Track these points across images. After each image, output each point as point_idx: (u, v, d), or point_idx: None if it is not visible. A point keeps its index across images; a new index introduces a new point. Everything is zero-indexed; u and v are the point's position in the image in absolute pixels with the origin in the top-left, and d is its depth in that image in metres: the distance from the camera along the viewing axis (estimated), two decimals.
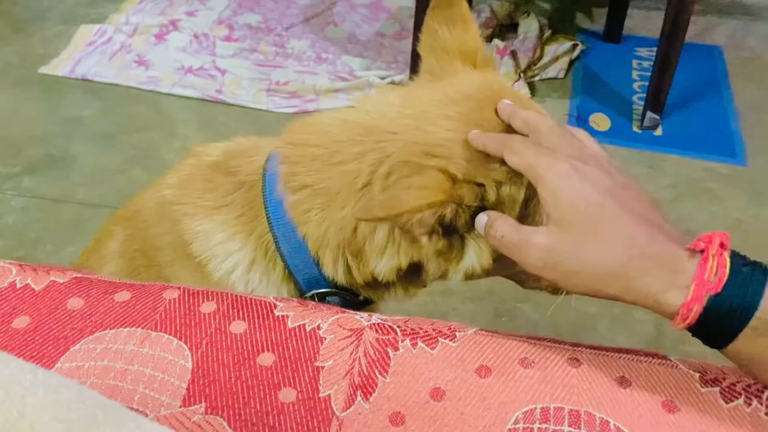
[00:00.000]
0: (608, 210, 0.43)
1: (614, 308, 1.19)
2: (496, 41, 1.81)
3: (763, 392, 0.42)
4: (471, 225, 0.51)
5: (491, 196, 0.50)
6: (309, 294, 0.58)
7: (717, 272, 0.39)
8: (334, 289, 0.58)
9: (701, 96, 1.74)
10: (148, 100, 1.71)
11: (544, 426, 0.40)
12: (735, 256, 0.40)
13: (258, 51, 1.91)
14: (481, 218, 0.50)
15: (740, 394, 0.42)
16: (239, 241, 0.58)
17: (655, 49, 1.63)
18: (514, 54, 1.78)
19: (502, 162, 0.49)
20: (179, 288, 0.48)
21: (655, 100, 1.63)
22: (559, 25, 1.97)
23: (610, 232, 0.42)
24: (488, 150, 0.49)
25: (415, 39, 1.73)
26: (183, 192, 0.61)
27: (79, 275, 0.49)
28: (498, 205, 0.51)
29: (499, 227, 0.47)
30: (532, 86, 1.76)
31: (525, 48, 1.82)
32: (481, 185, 0.50)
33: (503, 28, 1.93)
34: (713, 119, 1.67)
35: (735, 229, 1.35)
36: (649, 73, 1.66)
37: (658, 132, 1.63)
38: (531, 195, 0.51)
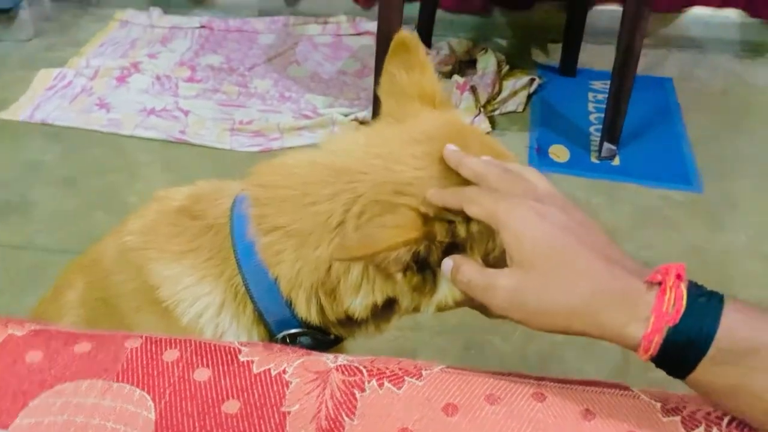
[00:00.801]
0: (569, 249, 0.44)
1: (581, 337, 1.20)
2: (456, 77, 1.85)
3: (722, 419, 0.43)
4: (439, 259, 0.52)
5: (461, 231, 0.52)
6: (280, 335, 0.57)
7: (674, 304, 0.40)
8: (305, 329, 0.58)
9: (655, 126, 1.80)
10: (110, 142, 1.69)
11: None
12: (692, 287, 0.41)
13: (221, 91, 1.91)
14: (447, 263, 0.50)
15: (701, 422, 0.43)
16: (208, 285, 0.58)
17: (609, 82, 1.68)
18: (474, 89, 1.82)
19: None
20: (141, 336, 0.48)
21: (611, 131, 1.68)
22: (516, 60, 2.02)
23: (572, 270, 0.43)
24: (448, 205, 0.50)
25: (377, 76, 1.76)
26: (147, 238, 0.61)
27: (37, 327, 0.48)
28: (468, 240, 0.52)
29: (465, 272, 0.48)
30: (492, 120, 1.80)
31: (484, 83, 1.86)
32: (451, 222, 0.51)
33: (462, 65, 1.98)
34: (668, 148, 1.73)
35: (693, 256, 1.39)
36: (605, 105, 1.71)
37: (616, 162, 1.68)
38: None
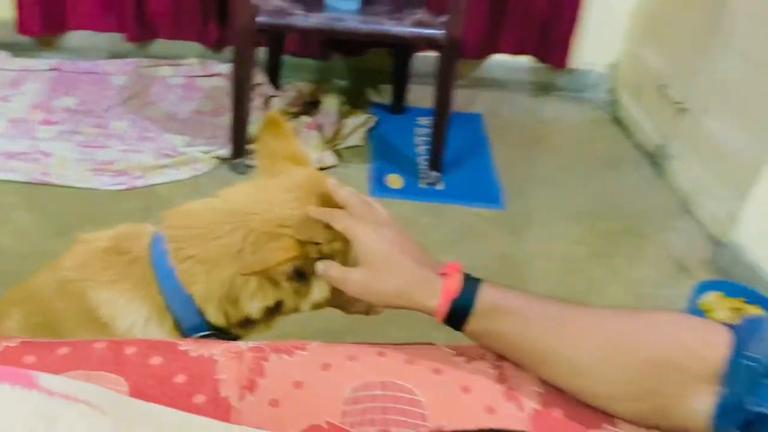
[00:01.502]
0: (394, 255, 0.70)
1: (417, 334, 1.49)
2: (304, 117, 2.11)
3: (486, 356, 0.71)
4: (314, 271, 0.76)
5: (326, 249, 0.76)
6: (193, 337, 0.78)
7: (454, 285, 0.68)
8: (213, 332, 0.79)
9: (469, 155, 2.17)
10: None
11: (363, 393, 0.66)
12: (466, 276, 0.69)
13: (79, 133, 2.01)
14: (319, 266, 0.75)
15: (475, 358, 0.71)
16: (136, 303, 0.77)
17: (431, 118, 2.02)
18: (320, 127, 2.09)
19: (329, 228, 0.75)
20: (105, 341, 0.67)
21: (435, 161, 2.01)
22: (354, 100, 2.32)
23: (396, 268, 0.69)
24: (322, 219, 0.75)
25: (235, 116, 1.97)
26: (84, 271, 0.79)
27: (25, 340, 0.66)
28: (331, 255, 0.76)
29: (331, 270, 0.73)
30: (338, 154, 2.07)
31: (328, 122, 2.13)
32: (318, 243, 0.76)
33: (308, 105, 2.24)
34: (479, 174, 2.10)
35: (500, 261, 1.74)
36: (429, 138, 2.05)
37: (440, 186, 2.02)
38: (348, 247, 0.77)
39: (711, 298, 1.58)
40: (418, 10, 1.90)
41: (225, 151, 1.98)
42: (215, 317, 0.78)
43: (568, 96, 2.57)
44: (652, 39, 2.38)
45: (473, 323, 0.67)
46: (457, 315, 0.67)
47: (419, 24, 1.83)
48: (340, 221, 0.74)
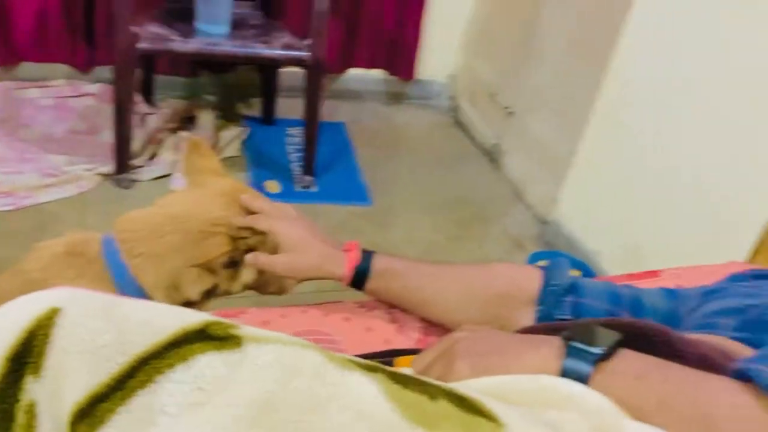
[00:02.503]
0: (308, 239, 0.95)
1: None
2: (182, 133, 2.26)
3: (381, 306, 0.98)
4: (242, 259, 0.98)
5: (251, 241, 0.99)
6: None
7: (355, 257, 0.93)
8: None
9: (338, 160, 2.44)
10: None
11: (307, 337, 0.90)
12: (363, 250, 0.95)
13: None
14: (249, 256, 0.97)
15: (373, 308, 0.97)
16: None
17: (300, 128, 2.25)
18: None
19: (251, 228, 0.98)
20: None
21: (308, 167, 2.25)
22: (227, 114, 2.50)
23: (311, 249, 0.94)
24: (246, 225, 0.97)
25: (118, 134, 2.11)
26: (48, 272, 0.95)
27: None
28: (255, 245, 0.99)
29: (259, 258, 0.96)
30: None
31: (205, 136, 2.30)
32: (245, 237, 0.98)
33: (185, 121, 2.39)
34: (348, 176, 2.37)
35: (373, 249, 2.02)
36: (300, 147, 2.29)
37: (314, 189, 2.26)
38: (267, 238, 1.00)
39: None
40: (283, 33, 2.13)
41: (108, 168, 2.08)
42: (162, 302, 0.98)
43: (417, 104, 2.92)
44: (482, 54, 2.79)
45: (371, 283, 0.94)
46: (359, 278, 0.93)
47: (287, 47, 2.07)
48: (262, 223, 0.97)
